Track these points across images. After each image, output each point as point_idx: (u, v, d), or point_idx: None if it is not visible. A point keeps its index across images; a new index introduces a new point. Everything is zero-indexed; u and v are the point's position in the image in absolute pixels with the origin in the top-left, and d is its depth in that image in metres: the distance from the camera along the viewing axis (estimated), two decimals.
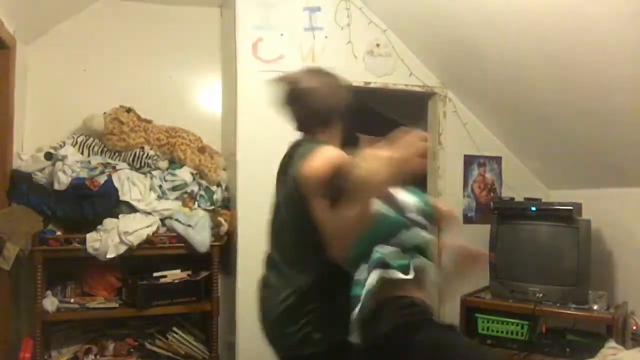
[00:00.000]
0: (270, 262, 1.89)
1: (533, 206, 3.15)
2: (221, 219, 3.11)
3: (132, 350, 3.07)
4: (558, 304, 2.92)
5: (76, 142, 3.14)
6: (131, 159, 3.16)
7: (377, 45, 3.38)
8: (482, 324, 3.11)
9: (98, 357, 3.02)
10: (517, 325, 3.00)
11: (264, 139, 3.14)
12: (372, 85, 3.38)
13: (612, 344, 2.62)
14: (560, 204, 3.08)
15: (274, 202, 1.98)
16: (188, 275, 3.14)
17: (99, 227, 2.91)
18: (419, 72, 3.47)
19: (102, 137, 3.15)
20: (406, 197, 1.75)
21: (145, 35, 3.47)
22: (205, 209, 3.19)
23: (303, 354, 1.72)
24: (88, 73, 3.36)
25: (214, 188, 3.26)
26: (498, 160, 3.68)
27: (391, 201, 1.68)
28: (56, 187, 2.95)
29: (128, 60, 3.43)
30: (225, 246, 3.17)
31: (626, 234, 3.09)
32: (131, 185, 3.03)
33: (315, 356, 1.71)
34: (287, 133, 3.31)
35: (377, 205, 1.59)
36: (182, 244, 3.02)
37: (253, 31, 3.15)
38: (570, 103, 2.87)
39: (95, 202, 2.93)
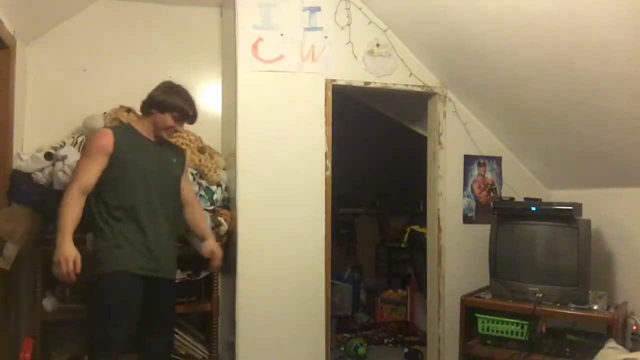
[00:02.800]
0: None
1: (533, 206, 3.15)
2: (221, 219, 3.11)
3: None
4: (558, 304, 2.92)
5: (76, 142, 3.13)
6: None
7: (377, 45, 3.38)
8: (482, 324, 3.11)
9: None
10: (517, 325, 3.00)
11: (264, 139, 3.15)
12: (372, 85, 3.38)
13: (612, 344, 2.62)
14: (560, 204, 3.08)
15: None
16: (188, 275, 3.14)
17: None
18: (419, 72, 3.47)
19: None
20: None
21: (145, 35, 3.47)
22: (205, 209, 3.18)
23: None
24: (88, 73, 3.36)
25: (214, 188, 3.25)
26: (498, 160, 3.68)
27: None
28: (56, 187, 2.94)
29: (128, 60, 3.43)
30: (225, 246, 3.17)
31: (626, 234, 3.09)
32: None
33: None
34: (287, 133, 3.33)
35: None
36: (182, 244, 3.02)
37: (253, 31, 3.16)
38: (570, 103, 2.87)
39: None
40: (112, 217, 2.48)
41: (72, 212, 2.39)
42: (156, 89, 2.66)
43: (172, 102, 2.59)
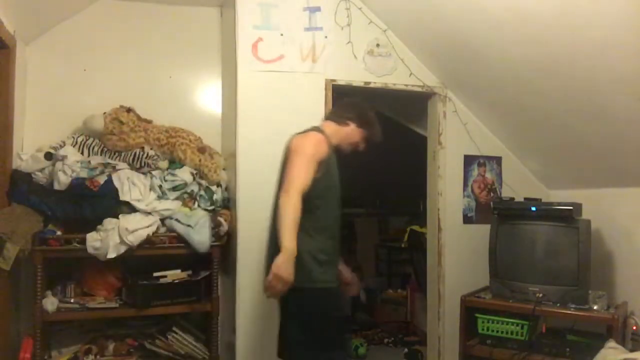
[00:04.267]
0: None
1: (533, 206, 3.15)
2: (221, 219, 3.11)
3: (132, 350, 3.08)
4: (558, 304, 2.91)
5: (76, 142, 3.14)
6: (131, 159, 3.16)
7: (377, 45, 3.38)
8: (482, 324, 3.11)
9: (98, 357, 3.02)
10: (517, 325, 3.00)
11: (264, 139, 3.15)
12: (372, 85, 3.38)
13: (612, 344, 2.62)
14: (560, 204, 3.08)
15: None
16: (188, 275, 3.14)
17: (99, 227, 2.91)
18: (419, 72, 3.47)
19: (102, 137, 3.15)
20: None
21: (145, 35, 3.47)
22: (205, 209, 3.19)
23: None
24: (88, 73, 3.36)
25: (214, 188, 3.26)
26: (498, 160, 3.68)
27: None
28: (56, 187, 2.95)
29: (128, 60, 3.43)
30: (225, 246, 3.17)
31: (626, 234, 3.09)
32: (131, 185, 3.03)
33: None
34: (286, 133, 3.33)
35: None
36: (182, 244, 3.02)
37: (253, 31, 3.15)
38: (570, 103, 2.87)
39: (95, 202, 2.93)
40: (316, 229, 2.37)
41: (296, 219, 2.22)
42: (352, 103, 2.58)
43: (372, 121, 2.56)
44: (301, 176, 2.30)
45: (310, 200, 2.31)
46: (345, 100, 2.70)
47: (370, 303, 5.24)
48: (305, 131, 2.48)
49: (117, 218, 2.94)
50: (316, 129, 2.50)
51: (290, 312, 2.41)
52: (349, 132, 2.55)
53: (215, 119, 3.56)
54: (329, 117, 2.65)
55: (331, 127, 2.54)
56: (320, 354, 2.33)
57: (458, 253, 3.53)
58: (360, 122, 2.55)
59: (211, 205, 3.22)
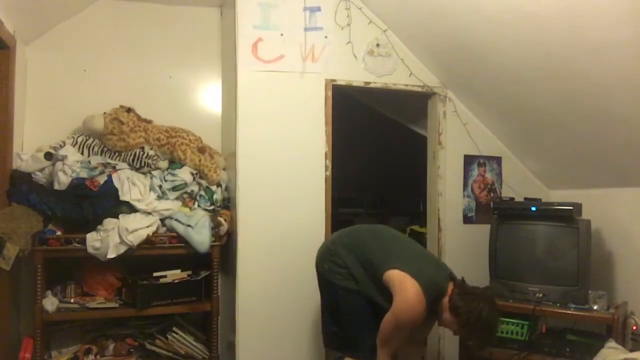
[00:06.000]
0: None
1: (533, 206, 3.15)
2: (221, 219, 3.11)
3: (132, 350, 3.08)
4: (558, 304, 2.92)
5: (76, 142, 3.14)
6: (131, 159, 3.16)
7: (377, 45, 3.38)
8: None
9: (98, 357, 3.02)
10: (517, 325, 3.00)
11: (264, 139, 3.16)
12: (372, 85, 3.38)
13: (612, 344, 2.62)
14: (560, 204, 3.08)
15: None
16: (188, 275, 3.15)
17: (99, 227, 2.91)
18: (419, 72, 3.47)
19: (102, 137, 3.15)
20: None
21: (145, 35, 3.47)
22: (205, 209, 3.19)
23: None
24: (88, 73, 3.36)
25: (214, 188, 3.26)
26: (498, 160, 3.68)
27: None
28: (56, 187, 2.95)
29: (128, 60, 3.43)
30: (225, 246, 3.18)
31: (626, 234, 3.09)
32: (131, 185, 3.03)
33: None
34: (287, 133, 3.33)
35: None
36: (182, 244, 3.02)
37: (253, 31, 3.15)
38: (570, 103, 2.87)
39: (95, 202, 2.93)
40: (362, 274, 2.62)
41: None
42: (484, 305, 2.48)
43: (478, 329, 2.49)
44: (394, 343, 2.50)
45: (373, 285, 2.57)
46: (479, 291, 2.59)
47: None
48: (425, 275, 2.48)
49: (117, 218, 2.94)
50: (433, 286, 2.49)
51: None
52: (450, 320, 2.53)
53: (215, 119, 3.56)
54: (458, 288, 2.54)
55: (447, 294, 2.52)
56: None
57: (458, 253, 3.53)
58: (464, 323, 2.49)
59: (211, 205, 3.22)
